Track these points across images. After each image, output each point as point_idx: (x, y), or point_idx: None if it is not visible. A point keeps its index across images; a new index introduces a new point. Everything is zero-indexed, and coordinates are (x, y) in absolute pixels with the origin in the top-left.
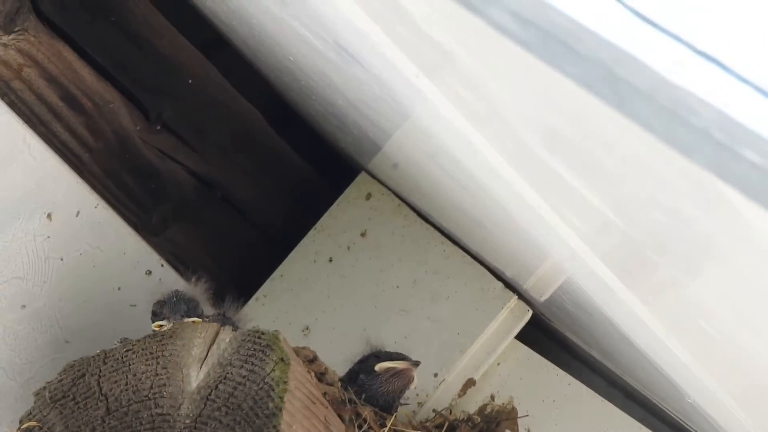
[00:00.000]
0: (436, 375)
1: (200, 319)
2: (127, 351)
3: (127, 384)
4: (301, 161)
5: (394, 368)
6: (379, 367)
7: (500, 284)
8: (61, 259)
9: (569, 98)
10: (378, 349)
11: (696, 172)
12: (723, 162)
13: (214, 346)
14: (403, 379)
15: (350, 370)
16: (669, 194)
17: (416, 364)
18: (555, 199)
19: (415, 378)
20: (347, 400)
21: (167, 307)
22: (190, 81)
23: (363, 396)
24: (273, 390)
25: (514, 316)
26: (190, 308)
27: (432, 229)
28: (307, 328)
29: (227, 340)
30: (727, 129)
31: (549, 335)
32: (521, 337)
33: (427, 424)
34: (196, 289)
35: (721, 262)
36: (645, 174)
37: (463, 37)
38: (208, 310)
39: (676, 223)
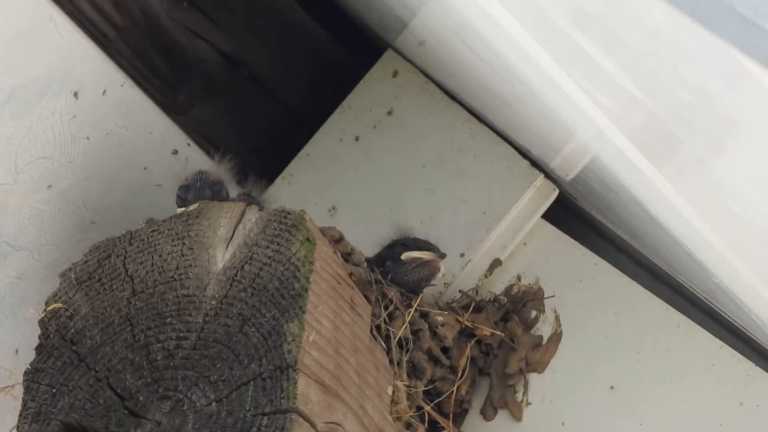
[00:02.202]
0: (462, 255)
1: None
2: (152, 231)
3: (152, 265)
4: (328, 38)
5: (420, 258)
6: (406, 256)
7: (526, 162)
8: (88, 139)
9: None
10: (406, 236)
11: (720, 48)
12: (747, 37)
13: (240, 226)
14: (428, 269)
15: (377, 254)
16: (693, 71)
17: (442, 256)
18: (581, 77)
19: (442, 269)
20: (373, 281)
21: (191, 192)
22: None
23: (389, 278)
24: (299, 270)
25: (540, 194)
26: (215, 192)
27: (458, 107)
28: (334, 208)
29: (253, 220)
30: (751, 3)
31: (575, 215)
32: (548, 216)
33: (454, 304)
34: (221, 168)
35: (746, 138)
36: (669, 50)
37: None
38: (233, 189)
39: (700, 100)
